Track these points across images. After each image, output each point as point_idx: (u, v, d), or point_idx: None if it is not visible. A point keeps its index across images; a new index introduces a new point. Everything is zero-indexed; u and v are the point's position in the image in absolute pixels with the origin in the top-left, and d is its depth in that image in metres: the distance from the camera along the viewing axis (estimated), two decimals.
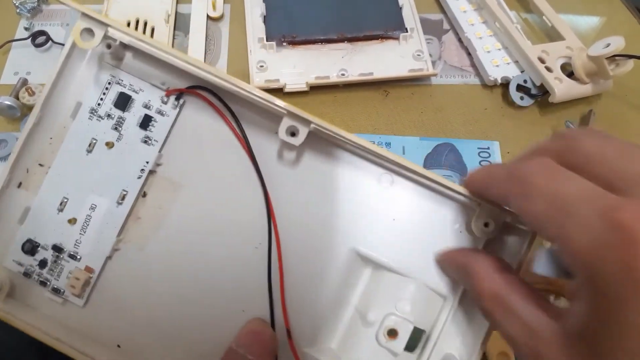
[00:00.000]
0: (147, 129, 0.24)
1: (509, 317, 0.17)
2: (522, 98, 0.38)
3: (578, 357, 0.15)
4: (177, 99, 0.24)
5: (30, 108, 0.35)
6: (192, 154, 0.24)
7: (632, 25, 0.44)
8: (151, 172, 0.24)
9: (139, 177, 0.24)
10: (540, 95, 0.37)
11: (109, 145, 0.24)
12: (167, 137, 0.24)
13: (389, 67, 0.38)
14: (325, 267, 0.23)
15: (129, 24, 0.39)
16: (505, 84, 0.39)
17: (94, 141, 0.24)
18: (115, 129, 0.24)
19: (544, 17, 0.42)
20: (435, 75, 0.38)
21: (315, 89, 0.37)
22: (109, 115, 0.24)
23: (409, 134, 0.37)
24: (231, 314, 0.23)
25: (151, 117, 0.24)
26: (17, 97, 0.34)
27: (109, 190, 0.24)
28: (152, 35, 0.39)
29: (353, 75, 0.37)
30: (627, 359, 0.13)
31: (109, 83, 0.24)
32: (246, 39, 0.38)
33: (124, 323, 0.24)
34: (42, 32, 0.38)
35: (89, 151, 0.24)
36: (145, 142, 0.24)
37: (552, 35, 0.41)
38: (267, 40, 0.38)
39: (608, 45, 0.34)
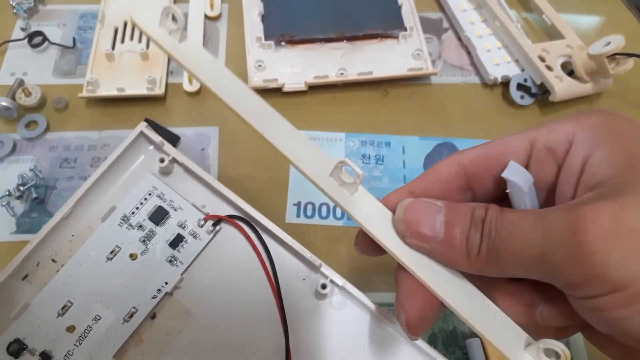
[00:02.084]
0: (176, 248, 0.23)
1: None
2: (522, 97, 0.37)
3: None
4: (215, 224, 0.23)
5: (26, 109, 0.35)
6: (214, 283, 0.23)
7: (632, 24, 0.44)
8: (167, 294, 0.22)
9: (154, 297, 0.22)
10: (541, 94, 0.37)
11: (132, 257, 0.23)
12: (193, 260, 0.23)
13: (388, 66, 0.38)
14: None
15: (125, 24, 0.39)
16: (505, 83, 0.38)
17: (117, 249, 0.23)
18: (143, 241, 0.23)
19: (543, 15, 0.42)
20: (434, 74, 0.38)
21: (314, 88, 0.37)
22: (140, 226, 0.23)
23: (408, 133, 0.36)
24: None
25: (183, 237, 0.23)
26: (13, 98, 0.34)
27: (118, 304, 0.22)
28: None
29: (352, 75, 0.37)
30: None
31: (149, 194, 0.23)
32: (244, 38, 0.38)
33: None
34: (38, 33, 0.38)
35: (109, 259, 0.23)
36: (171, 262, 0.23)
37: (552, 34, 0.41)
38: (265, 40, 0.38)
39: (608, 43, 0.34)
